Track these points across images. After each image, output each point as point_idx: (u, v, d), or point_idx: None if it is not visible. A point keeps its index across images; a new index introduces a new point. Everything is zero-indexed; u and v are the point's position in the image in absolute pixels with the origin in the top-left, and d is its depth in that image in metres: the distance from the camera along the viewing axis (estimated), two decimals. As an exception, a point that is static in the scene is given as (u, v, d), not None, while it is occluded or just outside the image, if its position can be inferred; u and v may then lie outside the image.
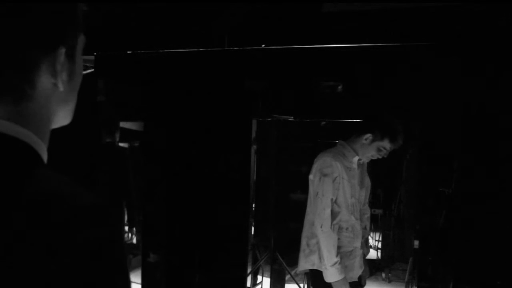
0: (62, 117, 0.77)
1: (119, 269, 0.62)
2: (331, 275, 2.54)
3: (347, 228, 2.68)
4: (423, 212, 3.72)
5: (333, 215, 2.61)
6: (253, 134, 4.43)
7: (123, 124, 5.06)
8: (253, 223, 5.07)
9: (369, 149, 2.70)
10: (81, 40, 0.74)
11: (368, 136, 2.68)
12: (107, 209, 0.63)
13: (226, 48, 3.12)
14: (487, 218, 2.97)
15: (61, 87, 0.70)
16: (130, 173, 4.61)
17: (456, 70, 3.10)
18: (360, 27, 2.85)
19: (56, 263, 0.56)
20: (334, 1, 2.84)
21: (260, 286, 4.76)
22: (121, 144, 5.35)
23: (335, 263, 2.53)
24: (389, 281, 5.52)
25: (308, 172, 2.80)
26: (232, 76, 3.58)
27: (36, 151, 0.67)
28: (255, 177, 4.85)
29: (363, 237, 2.84)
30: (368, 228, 3.03)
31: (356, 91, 3.69)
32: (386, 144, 2.67)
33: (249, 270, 4.25)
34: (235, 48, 3.12)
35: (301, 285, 4.51)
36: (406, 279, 4.92)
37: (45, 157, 0.70)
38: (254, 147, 4.54)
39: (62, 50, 0.69)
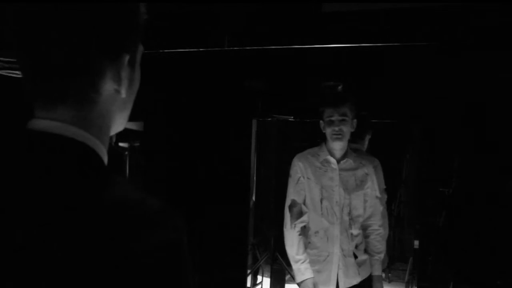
0: (119, 123, 0.79)
1: (186, 273, 0.65)
2: (295, 274, 2.61)
3: (316, 232, 2.61)
4: (423, 212, 3.72)
5: (297, 214, 2.63)
6: (253, 134, 4.43)
7: (123, 124, 5.05)
8: (253, 223, 5.06)
9: (326, 128, 2.59)
10: (140, 48, 0.77)
11: (320, 119, 2.62)
12: (174, 215, 0.65)
13: (226, 48, 3.12)
14: (487, 218, 2.97)
15: (123, 94, 0.73)
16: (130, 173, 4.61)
17: (456, 70, 3.10)
18: (360, 27, 2.85)
19: (125, 269, 0.58)
20: (334, 1, 2.84)
21: (260, 286, 4.76)
22: (121, 144, 5.35)
23: (298, 261, 2.58)
24: (389, 281, 5.52)
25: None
26: (232, 76, 3.58)
27: (99, 155, 0.69)
28: (255, 177, 4.85)
29: (357, 245, 2.65)
30: (379, 243, 2.71)
31: (356, 91, 3.69)
32: (328, 110, 2.54)
33: (249, 270, 4.25)
34: (235, 48, 3.12)
35: (301, 285, 4.51)
36: (406, 279, 4.92)
37: (104, 157, 0.71)
38: (254, 147, 4.54)
39: (126, 58, 0.71)
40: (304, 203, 2.64)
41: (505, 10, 2.60)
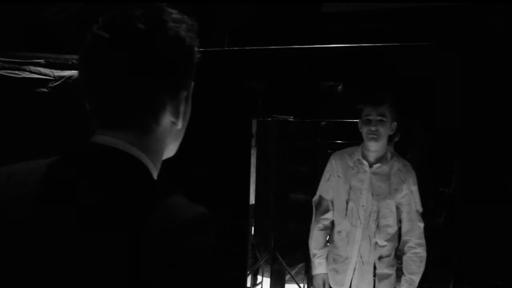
0: (171, 150, 0.89)
1: (212, 275, 0.73)
2: (312, 267, 2.61)
3: (339, 232, 2.57)
4: (423, 212, 3.71)
5: (322, 211, 2.62)
6: (253, 134, 4.42)
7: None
8: (253, 223, 5.06)
9: (362, 127, 2.50)
10: (193, 85, 0.87)
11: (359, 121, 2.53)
12: (213, 219, 0.75)
13: (226, 48, 3.12)
14: (487, 218, 2.97)
15: (179, 126, 0.84)
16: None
17: (456, 70, 3.10)
18: (360, 27, 2.85)
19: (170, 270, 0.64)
20: (334, 1, 2.84)
21: (260, 286, 4.76)
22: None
23: (314, 255, 2.59)
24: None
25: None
26: (232, 76, 3.58)
27: (149, 171, 0.79)
28: (255, 177, 4.85)
29: (381, 257, 2.53)
30: (414, 263, 2.55)
31: (356, 91, 3.69)
32: (367, 109, 2.47)
33: (249, 270, 4.25)
34: (235, 48, 3.12)
35: (301, 285, 4.51)
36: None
37: (155, 176, 0.82)
38: (254, 147, 4.54)
39: (184, 94, 0.82)
40: (332, 201, 2.60)
41: (505, 10, 2.60)
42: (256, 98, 3.95)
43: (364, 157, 2.53)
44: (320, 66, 3.52)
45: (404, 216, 2.54)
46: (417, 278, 2.56)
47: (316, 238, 2.60)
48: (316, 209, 2.66)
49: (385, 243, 2.53)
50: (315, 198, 2.68)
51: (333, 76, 3.76)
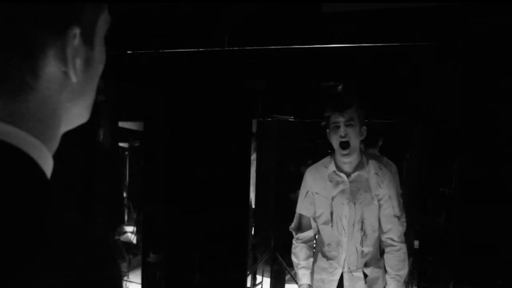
0: (77, 115, 0.61)
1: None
2: (297, 277, 2.59)
3: (329, 244, 2.50)
4: (423, 212, 3.72)
5: (303, 228, 2.57)
6: (253, 134, 4.42)
7: (123, 124, 5.06)
8: (253, 223, 5.06)
9: (331, 135, 2.38)
10: (104, 19, 0.60)
11: (324, 123, 2.45)
12: (109, 245, 0.52)
13: (226, 48, 3.11)
14: (487, 218, 2.97)
15: (73, 78, 0.55)
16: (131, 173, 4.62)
17: (456, 70, 3.10)
18: (360, 27, 2.85)
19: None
20: (334, 1, 2.84)
21: (260, 286, 4.76)
22: (121, 144, 5.34)
23: (296, 266, 2.57)
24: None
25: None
26: (232, 76, 3.58)
27: (31, 158, 0.51)
28: (255, 177, 4.84)
29: (367, 263, 2.47)
30: (396, 259, 2.43)
31: (356, 91, 3.69)
32: (334, 116, 2.34)
33: (249, 270, 4.25)
34: (235, 48, 3.12)
35: (301, 285, 4.51)
36: (406, 279, 4.91)
37: (46, 165, 0.54)
38: (254, 147, 4.54)
39: (76, 31, 0.54)
40: (315, 216, 2.53)
41: (505, 10, 2.60)
42: (256, 98, 3.95)
43: (339, 168, 2.43)
44: (320, 66, 3.53)
45: (382, 220, 2.45)
46: (403, 274, 2.48)
47: (299, 253, 2.56)
48: (297, 226, 2.58)
49: (371, 248, 2.47)
50: (293, 224, 2.62)
51: (333, 76, 3.76)
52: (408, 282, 4.80)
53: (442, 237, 3.56)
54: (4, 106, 0.51)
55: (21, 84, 0.52)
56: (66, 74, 0.55)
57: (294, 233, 2.61)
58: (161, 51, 3.29)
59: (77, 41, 0.54)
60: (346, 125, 2.32)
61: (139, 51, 3.32)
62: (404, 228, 2.53)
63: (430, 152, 3.67)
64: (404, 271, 2.48)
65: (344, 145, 2.34)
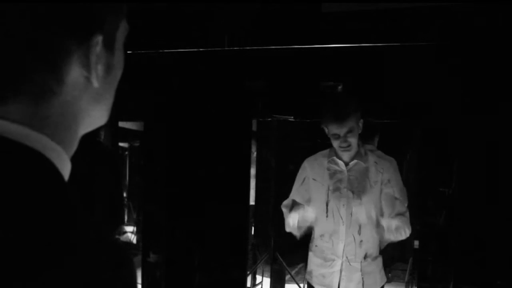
0: (97, 118, 0.63)
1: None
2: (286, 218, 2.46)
3: (322, 235, 2.49)
4: (423, 212, 3.72)
5: (295, 213, 2.42)
6: (253, 134, 4.43)
7: (123, 124, 5.06)
8: (253, 223, 5.06)
9: (332, 141, 2.40)
10: (123, 27, 0.62)
11: (324, 127, 2.45)
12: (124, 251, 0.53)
13: (226, 48, 3.11)
14: (487, 218, 2.97)
15: (95, 83, 0.57)
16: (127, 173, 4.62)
17: (455, 70, 3.10)
18: (360, 27, 2.85)
19: None
20: (334, 1, 2.84)
21: (260, 286, 4.76)
22: (121, 144, 5.34)
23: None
24: (389, 281, 5.52)
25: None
26: (232, 76, 3.58)
27: (49, 161, 0.52)
28: (255, 177, 4.85)
29: (366, 255, 2.45)
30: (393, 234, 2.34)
31: (356, 91, 3.69)
32: (332, 127, 2.34)
33: (249, 270, 4.25)
34: (235, 48, 3.12)
35: (301, 285, 4.51)
36: (406, 279, 4.91)
37: (65, 168, 0.55)
38: (254, 147, 4.54)
39: (99, 38, 0.56)
40: (309, 204, 2.50)
41: (505, 10, 2.60)
42: (256, 98, 3.95)
43: (338, 157, 2.47)
44: (320, 66, 3.53)
45: (383, 204, 2.44)
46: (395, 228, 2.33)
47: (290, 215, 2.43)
48: (288, 212, 2.49)
49: (369, 239, 2.46)
50: (286, 202, 2.59)
51: (333, 76, 3.76)
52: (408, 282, 4.81)
53: (442, 237, 3.57)
54: (26, 109, 0.53)
55: (44, 89, 0.53)
56: (88, 79, 0.57)
57: (284, 209, 2.55)
58: (161, 51, 3.29)
59: (99, 48, 0.56)
60: (347, 135, 2.34)
61: (139, 51, 3.33)
62: (406, 211, 2.44)
63: (430, 152, 3.67)
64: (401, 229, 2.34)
65: (346, 150, 2.40)
